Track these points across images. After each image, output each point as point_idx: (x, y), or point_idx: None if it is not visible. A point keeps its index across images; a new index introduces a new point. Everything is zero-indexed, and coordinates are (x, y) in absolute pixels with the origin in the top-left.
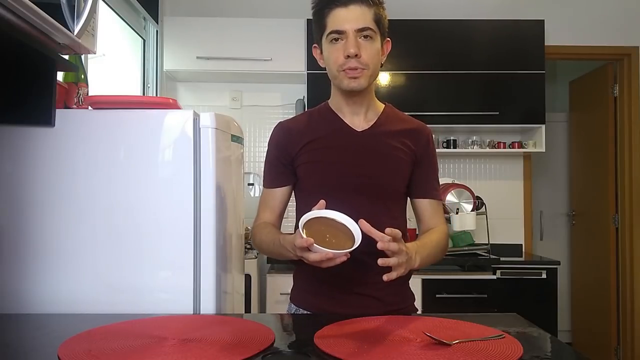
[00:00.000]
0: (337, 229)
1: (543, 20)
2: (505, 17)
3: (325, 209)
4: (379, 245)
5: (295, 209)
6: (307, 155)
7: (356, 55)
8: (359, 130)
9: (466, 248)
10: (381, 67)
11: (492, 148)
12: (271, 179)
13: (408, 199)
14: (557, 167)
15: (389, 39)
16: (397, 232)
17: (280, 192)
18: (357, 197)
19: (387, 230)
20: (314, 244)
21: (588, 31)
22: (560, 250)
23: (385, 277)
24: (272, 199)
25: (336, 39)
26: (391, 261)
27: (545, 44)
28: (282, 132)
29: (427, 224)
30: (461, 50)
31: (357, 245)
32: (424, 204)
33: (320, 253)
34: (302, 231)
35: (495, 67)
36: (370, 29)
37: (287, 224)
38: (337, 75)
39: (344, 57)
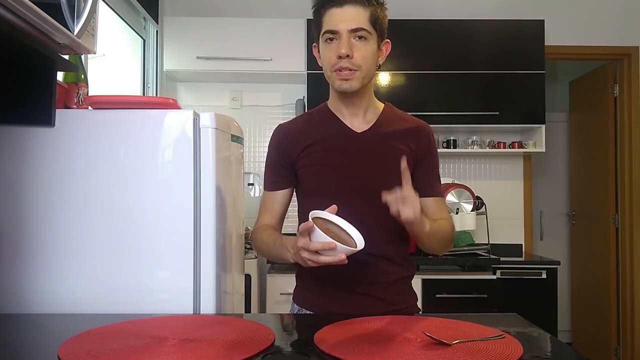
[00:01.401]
0: (341, 235)
1: (543, 20)
2: (505, 17)
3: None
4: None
5: (297, 210)
6: (307, 158)
7: (348, 55)
8: (358, 131)
9: (466, 248)
10: (379, 68)
11: (492, 148)
12: (272, 182)
13: None
14: (557, 167)
15: (388, 40)
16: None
17: (281, 194)
18: (357, 198)
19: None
20: (317, 228)
21: (588, 31)
22: (560, 250)
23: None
24: (272, 202)
25: (330, 39)
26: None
27: (545, 44)
28: (282, 135)
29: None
30: (461, 50)
31: (357, 250)
32: (428, 202)
33: (323, 242)
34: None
35: (495, 67)
36: (365, 29)
37: (288, 224)
38: (330, 75)
39: (336, 57)
